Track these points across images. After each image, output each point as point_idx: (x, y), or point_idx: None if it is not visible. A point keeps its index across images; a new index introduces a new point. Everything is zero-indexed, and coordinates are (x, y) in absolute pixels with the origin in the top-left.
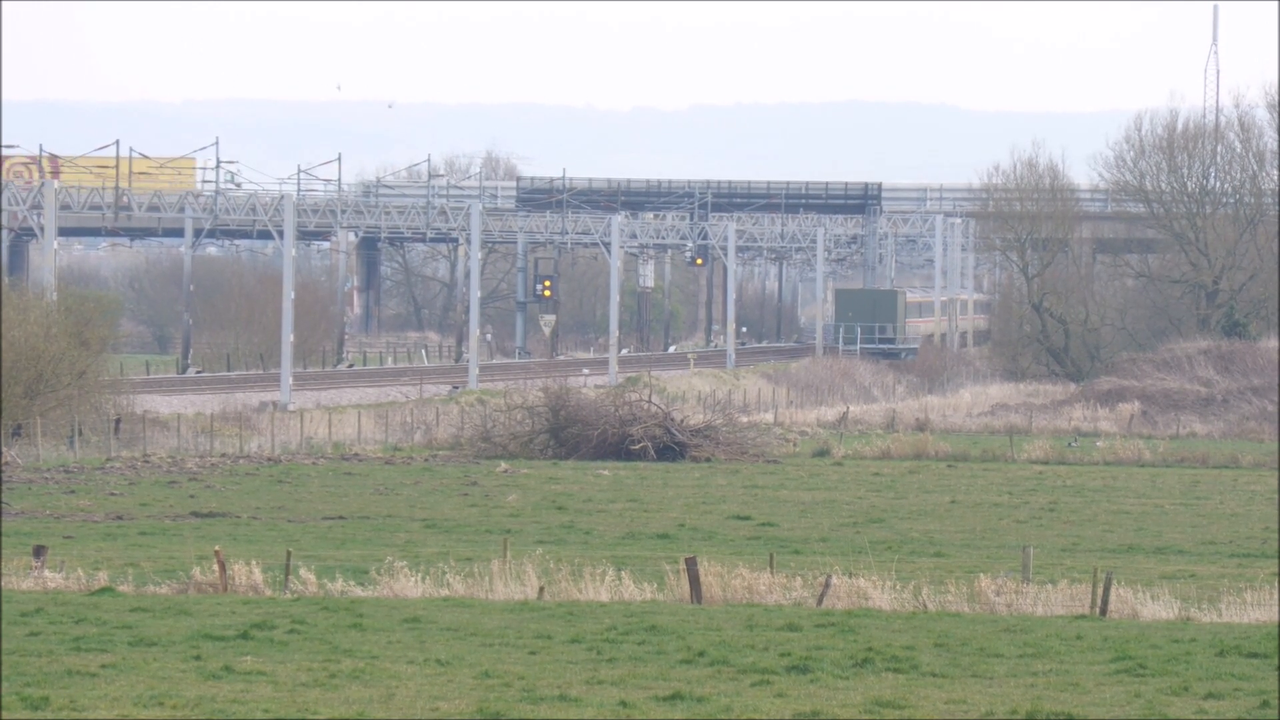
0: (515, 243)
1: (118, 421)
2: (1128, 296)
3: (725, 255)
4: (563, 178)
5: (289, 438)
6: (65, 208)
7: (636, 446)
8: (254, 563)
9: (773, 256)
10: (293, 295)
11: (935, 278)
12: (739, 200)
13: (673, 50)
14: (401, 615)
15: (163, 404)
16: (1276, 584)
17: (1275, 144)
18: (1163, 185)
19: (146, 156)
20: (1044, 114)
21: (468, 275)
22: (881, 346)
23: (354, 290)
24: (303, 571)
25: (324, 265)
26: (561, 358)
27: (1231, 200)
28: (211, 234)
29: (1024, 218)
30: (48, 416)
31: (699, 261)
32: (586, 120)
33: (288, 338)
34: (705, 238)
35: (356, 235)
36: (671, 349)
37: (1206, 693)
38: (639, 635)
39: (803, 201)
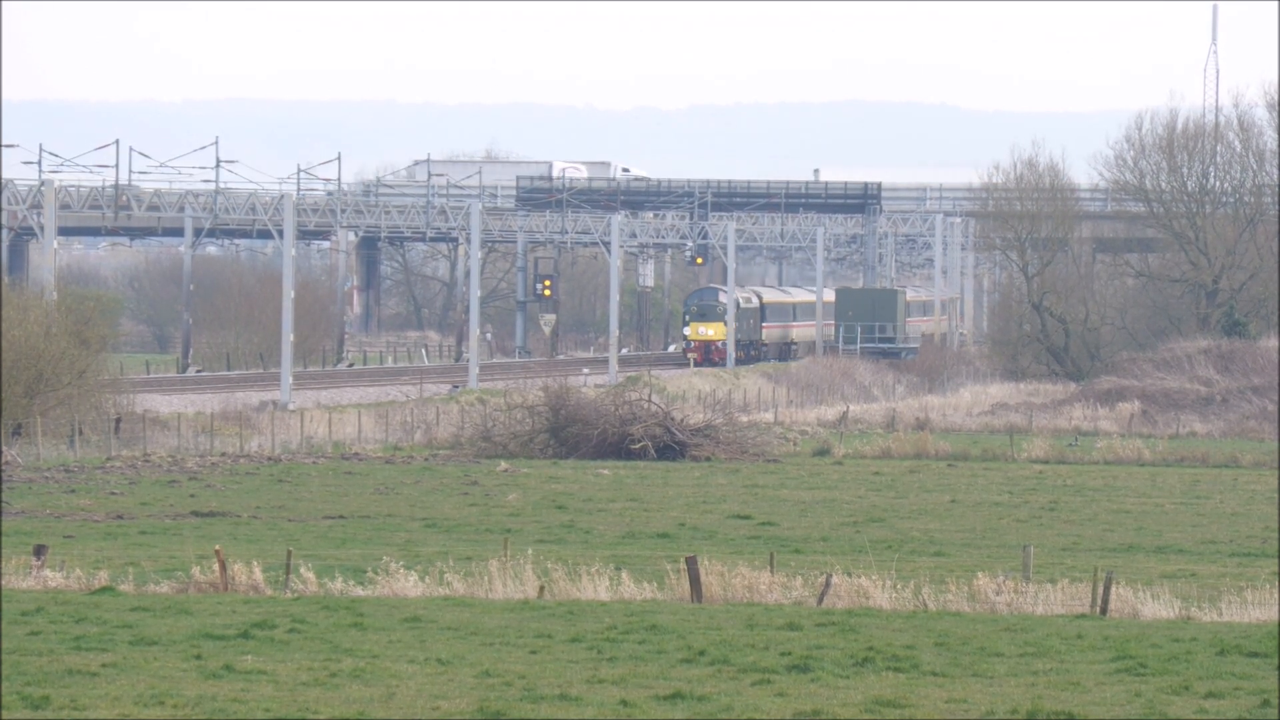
0: (515, 242)
1: (118, 421)
2: (1128, 296)
3: (725, 255)
4: (563, 177)
5: (289, 437)
6: (65, 207)
7: (637, 446)
8: (254, 562)
9: (773, 256)
10: (293, 294)
11: (935, 277)
12: (739, 200)
13: (673, 50)
14: (402, 615)
15: (163, 403)
16: (1277, 583)
17: (1275, 143)
18: (1163, 184)
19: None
20: (1044, 114)
21: (468, 275)
22: (881, 346)
23: (354, 290)
24: (303, 571)
25: (324, 265)
26: (561, 357)
27: (1231, 199)
28: (211, 233)
29: (1024, 217)
30: (48, 416)
31: (699, 261)
32: (586, 120)
33: (288, 337)
34: (705, 237)
35: (356, 235)
36: (671, 348)
37: (1207, 692)
38: (639, 634)
39: (802, 201)
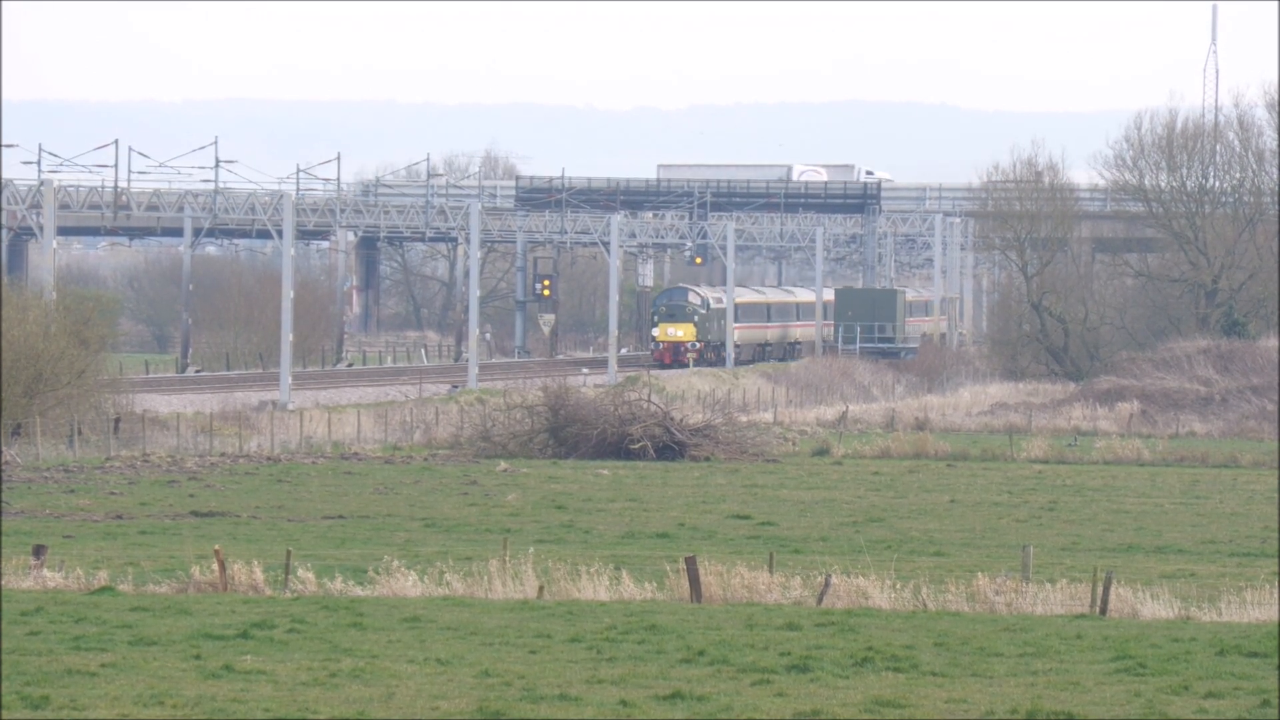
0: (515, 242)
1: (117, 421)
2: (1127, 296)
3: (725, 255)
4: (562, 177)
5: (288, 437)
6: (64, 207)
7: (636, 446)
8: (254, 562)
9: (772, 256)
10: (292, 294)
11: (935, 277)
12: (738, 200)
13: (673, 50)
14: (401, 614)
15: (162, 403)
16: (1276, 583)
17: (1275, 143)
18: (1162, 184)
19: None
20: (1044, 114)
21: (467, 274)
22: (881, 346)
23: (353, 289)
24: (302, 571)
25: (323, 264)
26: (561, 357)
27: (1231, 199)
28: (210, 233)
29: (1023, 217)
30: (47, 416)
31: (698, 261)
32: (586, 120)
33: (287, 337)
34: (705, 237)
35: (356, 235)
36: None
37: (1206, 692)
38: (639, 634)
39: (802, 201)
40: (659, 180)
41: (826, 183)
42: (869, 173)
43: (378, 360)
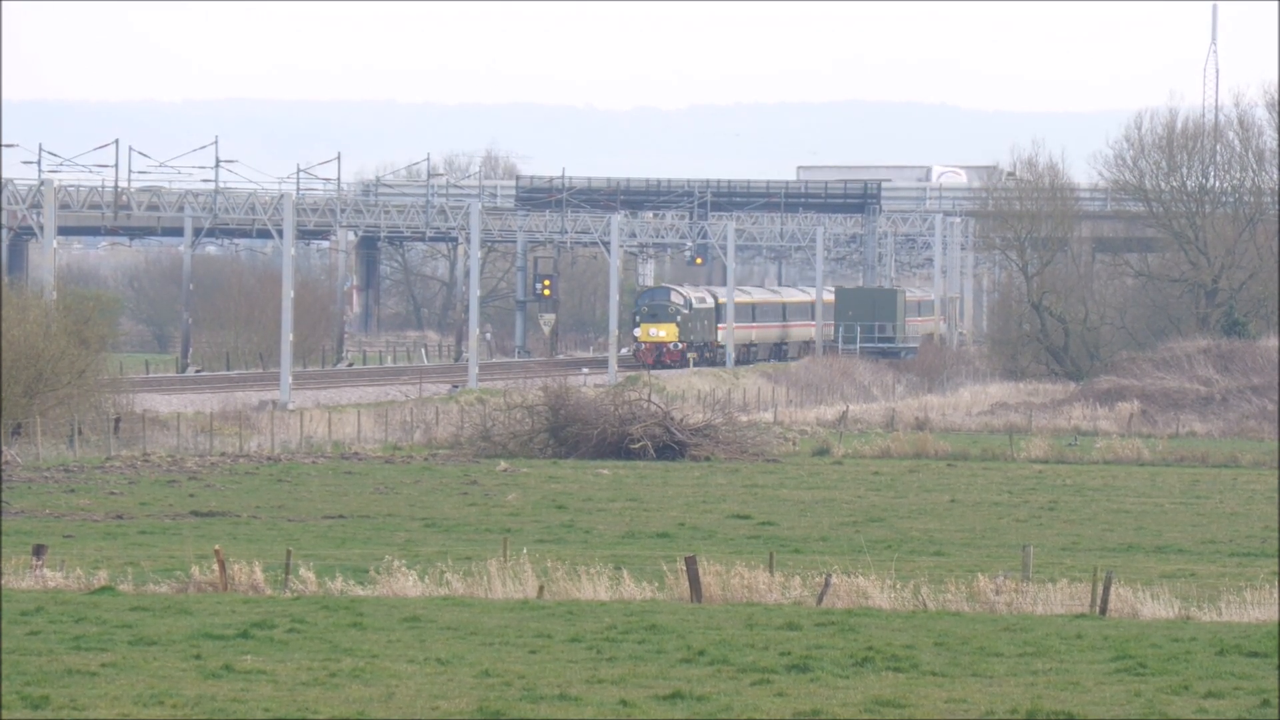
0: (515, 242)
1: (117, 420)
2: (1127, 295)
3: (725, 254)
4: (562, 177)
5: (289, 437)
6: (65, 206)
7: (636, 445)
8: (254, 562)
9: (772, 256)
10: (292, 294)
11: (935, 277)
12: (738, 199)
13: (673, 50)
14: (401, 614)
15: (162, 403)
16: (1276, 583)
17: (1275, 143)
18: (1162, 184)
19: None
20: (1044, 114)
21: (467, 274)
22: (881, 345)
23: (353, 289)
24: (303, 570)
25: (323, 264)
26: (561, 357)
27: (1231, 199)
28: (211, 233)
29: (1023, 217)
30: (47, 415)
31: (699, 261)
32: (587, 120)
33: (287, 336)
34: (705, 237)
35: (356, 234)
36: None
37: (1206, 691)
38: (639, 634)
39: (802, 201)
40: (801, 181)
41: (827, 182)
42: (1010, 174)
43: (378, 360)
